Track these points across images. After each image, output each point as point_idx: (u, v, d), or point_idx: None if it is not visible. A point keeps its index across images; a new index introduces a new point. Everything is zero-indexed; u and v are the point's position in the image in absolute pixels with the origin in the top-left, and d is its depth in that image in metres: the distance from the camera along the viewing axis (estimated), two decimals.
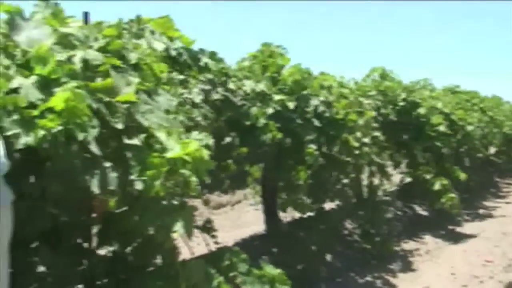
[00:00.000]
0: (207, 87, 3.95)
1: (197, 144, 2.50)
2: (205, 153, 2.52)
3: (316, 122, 5.14)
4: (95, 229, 2.81)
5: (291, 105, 4.88)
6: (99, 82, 2.47)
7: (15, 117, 2.19)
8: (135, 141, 2.56)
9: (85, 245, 2.81)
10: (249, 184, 7.17)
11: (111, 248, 2.89)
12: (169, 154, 2.47)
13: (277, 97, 4.82)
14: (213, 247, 4.45)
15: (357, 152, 5.53)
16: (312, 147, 5.06)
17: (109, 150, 2.54)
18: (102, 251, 2.87)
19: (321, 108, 5.18)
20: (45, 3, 3.09)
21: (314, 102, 5.12)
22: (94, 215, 2.77)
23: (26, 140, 2.16)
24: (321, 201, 5.83)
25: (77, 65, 2.52)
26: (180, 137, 2.60)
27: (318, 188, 5.66)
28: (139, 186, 2.57)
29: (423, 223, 8.84)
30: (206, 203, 2.97)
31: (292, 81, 5.11)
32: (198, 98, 3.65)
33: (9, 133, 2.15)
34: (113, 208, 2.78)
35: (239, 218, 8.72)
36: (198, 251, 4.04)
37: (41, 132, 2.15)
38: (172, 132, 2.60)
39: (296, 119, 4.96)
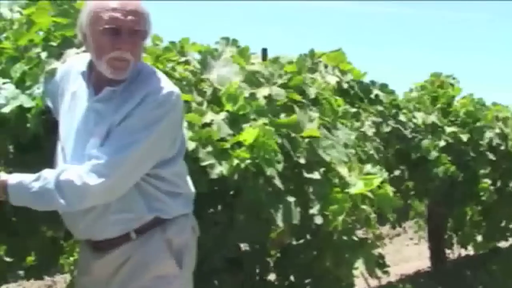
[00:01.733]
0: (378, 119, 3.91)
1: (380, 180, 2.47)
2: (389, 190, 2.47)
3: (491, 156, 4.86)
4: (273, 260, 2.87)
5: (464, 137, 4.66)
6: (284, 118, 2.54)
7: (210, 149, 2.32)
8: (316, 176, 2.59)
9: (263, 275, 2.87)
10: (411, 218, 6.92)
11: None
12: (352, 190, 2.46)
13: (449, 129, 4.63)
14: (374, 282, 4.33)
15: None
16: (487, 181, 4.77)
17: (291, 184, 2.59)
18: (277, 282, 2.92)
19: (496, 141, 4.89)
20: (225, 41, 3.27)
21: (489, 134, 4.85)
22: (273, 246, 2.83)
23: (220, 170, 2.28)
24: (494, 239, 5.46)
25: (262, 101, 2.63)
26: (361, 172, 2.58)
27: (491, 226, 5.31)
28: (318, 220, 2.60)
29: None
30: (379, 238, 2.91)
31: (464, 112, 4.89)
32: (370, 131, 3.62)
33: (204, 163, 2.28)
34: (291, 240, 2.83)
35: (399, 252, 8.43)
36: (360, 283, 3.95)
37: (235, 161, 2.26)
38: (353, 167, 2.59)
39: (469, 152, 4.73)
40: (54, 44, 2.42)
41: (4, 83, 2.26)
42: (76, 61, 2.10)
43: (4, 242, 2.41)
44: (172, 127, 1.93)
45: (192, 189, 2.13)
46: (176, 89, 1.94)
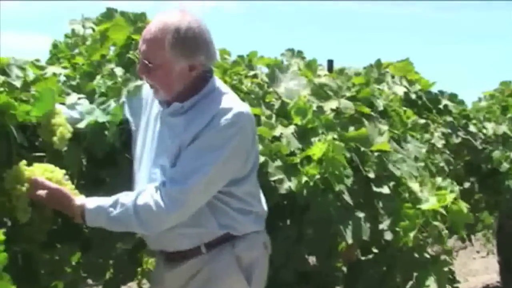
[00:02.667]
0: (447, 130, 3.80)
1: (454, 195, 2.39)
2: (463, 206, 2.40)
3: None
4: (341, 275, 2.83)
5: None
6: (352, 131, 2.51)
7: (279, 163, 2.31)
8: (385, 190, 2.55)
9: None
10: (479, 230, 6.71)
11: None
12: (424, 206, 2.39)
13: None
14: None
15: None
16: None
17: (359, 199, 2.55)
18: None
19: None
20: (291, 52, 3.27)
21: None
22: (341, 260, 2.79)
23: (288, 185, 2.27)
24: None
25: (330, 114, 2.60)
26: (433, 187, 2.52)
27: None
28: (388, 236, 2.55)
29: None
30: (449, 253, 2.82)
31: None
32: (440, 143, 3.53)
33: (273, 178, 2.28)
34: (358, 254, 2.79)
35: (465, 265, 8.18)
36: None
37: (304, 179, 2.24)
38: (425, 182, 2.52)
39: None
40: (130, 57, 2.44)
41: (79, 98, 2.33)
42: None
43: (79, 255, 2.48)
44: (242, 148, 1.93)
45: (265, 207, 2.12)
46: (246, 110, 1.94)
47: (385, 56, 3.81)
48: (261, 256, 2.06)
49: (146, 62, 1.91)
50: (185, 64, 1.92)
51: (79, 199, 1.92)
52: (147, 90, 2.14)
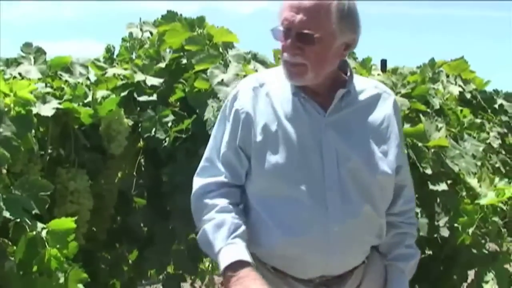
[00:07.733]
0: (503, 130, 3.73)
1: None
2: None
3: None
4: None
5: None
6: (409, 127, 2.50)
7: None
8: (443, 187, 2.53)
9: None
10: None
11: None
12: (482, 201, 2.37)
13: None
14: None
15: None
16: None
17: (416, 195, 2.54)
18: None
19: None
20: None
21: None
22: None
23: None
24: None
25: None
26: (492, 184, 2.49)
27: None
28: (445, 233, 2.53)
29: None
30: (506, 253, 2.76)
31: None
32: (495, 143, 3.46)
33: None
34: None
35: None
36: None
37: None
38: (483, 178, 2.50)
39: None
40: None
41: None
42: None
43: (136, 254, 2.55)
44: None
45: None
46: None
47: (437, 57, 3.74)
48: None
49: (306, 32, 1.58)
50: (346, 39, 1.64)
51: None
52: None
